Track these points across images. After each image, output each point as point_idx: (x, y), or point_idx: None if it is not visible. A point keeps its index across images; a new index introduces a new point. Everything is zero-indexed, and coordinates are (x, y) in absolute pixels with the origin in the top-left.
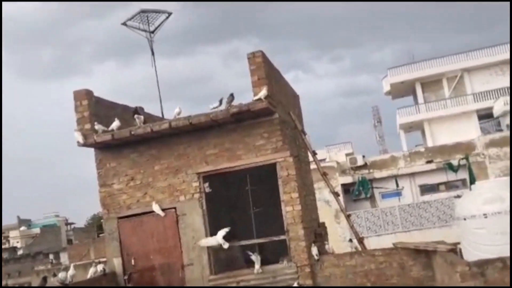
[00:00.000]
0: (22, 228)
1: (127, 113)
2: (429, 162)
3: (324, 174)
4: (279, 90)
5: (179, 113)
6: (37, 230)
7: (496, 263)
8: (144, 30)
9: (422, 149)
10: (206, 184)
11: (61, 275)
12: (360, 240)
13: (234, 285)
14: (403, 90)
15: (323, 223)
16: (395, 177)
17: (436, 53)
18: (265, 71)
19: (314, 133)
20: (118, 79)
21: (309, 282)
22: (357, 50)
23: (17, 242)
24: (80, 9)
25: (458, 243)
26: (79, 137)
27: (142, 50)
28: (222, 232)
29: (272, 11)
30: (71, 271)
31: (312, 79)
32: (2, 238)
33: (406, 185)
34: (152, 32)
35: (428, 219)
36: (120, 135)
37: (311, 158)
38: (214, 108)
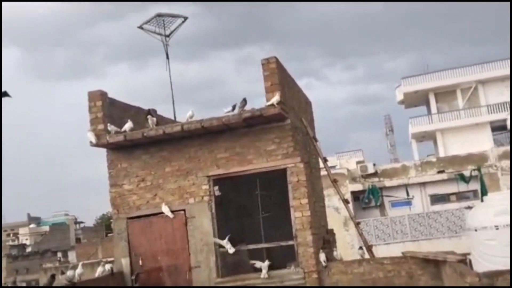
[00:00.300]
0: (32, 225)
1: (140, 115)
2: (440, 172)
3: (334, 181)
4: (292, 96)
5: (191, 116)
6: (46, 228)
7: (506, 274)
8: (160, 34)
9: (434, 159)
10: (216, 188)
11: (69, 273)
12: (369, 248)
13: None
14: (416, 99)
15: (332, 230)
16: (406, 186)
17: (450, 64)
18: (279, 77)
19: (324, 140)
20: (131, 81)
21: None
22: (371, 59)
23: (26, 239)
24: (96, 12)
25: (468, 254)
26: (92, 138)
27: (155, 54)
28: (226, 239)
29: (287, 18)
30: (79, 270)
31: (325, 86)
32: (12, 234)
33: (417, 195)
34: (168, 36)
35: (438, 229)
36: (132, 137)
37: (321, 165)
38: (227, 112)
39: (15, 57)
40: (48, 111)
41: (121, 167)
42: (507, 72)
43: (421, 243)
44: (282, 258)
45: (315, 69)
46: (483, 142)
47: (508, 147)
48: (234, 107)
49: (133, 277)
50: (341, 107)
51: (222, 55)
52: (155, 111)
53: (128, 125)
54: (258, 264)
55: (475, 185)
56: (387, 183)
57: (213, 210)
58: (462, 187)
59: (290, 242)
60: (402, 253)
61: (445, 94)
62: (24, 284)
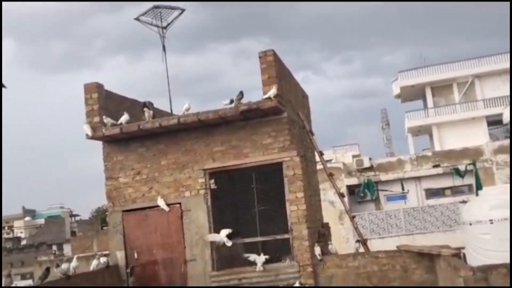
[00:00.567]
0: (27, 218)
1: (136, 107)
2: (436, 166)
3: (330, 175)
4: (289, 90)
5: (188, 109)
6: (41, 221)
7: (500, 268)
8: (157, 26)
9: (430, 153)
10: (212, 181)
11: (64, 266)
12: (364, 242)
13: (236, 282)
14: (413, 93)
15: (327, 224)
16: (401, 180)
17: (447, 58)
18: (276, 70)
19: (321, 134)
20: (128, 73)
21: (310, 282)
22: (368, 53)
23: (21, 232)
24: (93, 3)
25: (462, 248)
26: (88, 130)
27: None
28: (225, 231)
29: (285, 11)
30: (74, 263)
31: (322, 80)
32: (7, 227)
33: (412, 189)
34: (165, 28)
35: (433, 223)
36: (129, 129)
37: (317, 159)
38: (225, 105)
39: (11, 48)
40: (44, 103)
41: (117, 160)
42: (504, 66)
43: (416, 237)
44: (278, 251)
45: (312, 62)
46: (478, 137)
47: (503, 142)
48: (231, 101)
49: (128, 270)
50: (338, 100)
51: (219, 48)
52: (151, 103)
53: (124, 118)
54: (252, 257)
55: (470, 180)
56: (383, 177)
57: (209, 203)
58: (457, 181)
59: (286, 236)
60: (397, 247)
61: (441, 88)
62: (19, 277)
